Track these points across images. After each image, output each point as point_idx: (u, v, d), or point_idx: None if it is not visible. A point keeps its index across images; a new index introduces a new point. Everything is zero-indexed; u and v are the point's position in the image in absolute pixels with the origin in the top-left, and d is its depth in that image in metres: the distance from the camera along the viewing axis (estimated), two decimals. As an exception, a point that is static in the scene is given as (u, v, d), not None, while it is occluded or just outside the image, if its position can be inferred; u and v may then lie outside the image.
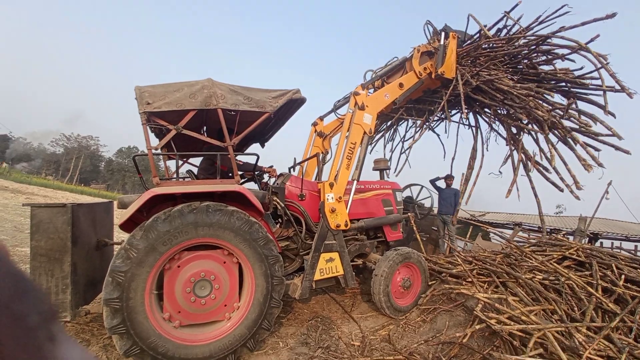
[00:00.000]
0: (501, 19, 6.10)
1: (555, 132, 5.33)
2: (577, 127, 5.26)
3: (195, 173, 4.36)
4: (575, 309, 3.51)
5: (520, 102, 5.15)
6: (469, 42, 6.26)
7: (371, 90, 5.07)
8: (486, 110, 6.16)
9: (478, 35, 6.25)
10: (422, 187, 6.78)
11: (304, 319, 4.32)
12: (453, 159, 7.21)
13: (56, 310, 2.51)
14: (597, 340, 2.75)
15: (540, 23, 5.67)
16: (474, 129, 6.63)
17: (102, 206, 3.92)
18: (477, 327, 3.41)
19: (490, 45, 6.00)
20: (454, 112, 6.85)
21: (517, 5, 5.88)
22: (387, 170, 5.41)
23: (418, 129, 7.11)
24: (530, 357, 2.87)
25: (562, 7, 5.44)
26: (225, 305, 3.16)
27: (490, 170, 6.07)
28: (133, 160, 3.29)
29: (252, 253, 3.10)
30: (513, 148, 5.88)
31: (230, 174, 3.48)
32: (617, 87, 4.87)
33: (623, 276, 3.72)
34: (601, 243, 6.84)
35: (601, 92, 5.11)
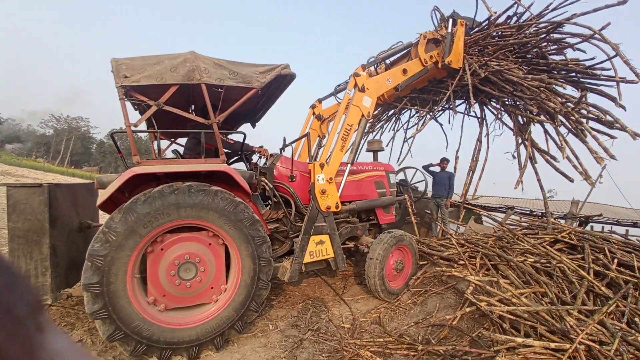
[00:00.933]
0: (511, 6, 5.81)
1: (566, 123, 5.12)
2: (589, 118, 5.06)
3: (182, 152, 4.20)
4: (567, 292, 3.50)
5: (531, 94, 4.91)
6: (477, 29, 5.98)
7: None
8: (493, 101, 5.92)
9: (487, 22, 5.95)
10: (417, 170, 6.69)
11: (294, 301, 4.30)
12: (457, 151, 7.06)
13: (43, 299, 2.45)
14: (591, 325, 2.73)
15: (552, 10, 5.39)
16: (479, 119, 6.41)
17: (84, 187, 3.77)
18: (467, 309, 3.39)
19: (499, 33, 5.71)
20: (459, 102, 6.60)
21: None
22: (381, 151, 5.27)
23: (421, 118, 6.91)
24: (520, 338, 2.86)
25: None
26: (212, 288, 3.08)
27: (494, 162, 5.96)
28: (111, 137, 3.12)
29: (238, 234, 3.00)
30: (520, 140, 5.67)
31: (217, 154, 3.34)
32: (629, 77, 4.65)
33: (616, 260, 3.70)
34: (592, 227, 6.84)
35: (613, 83, 4.89)
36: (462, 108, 6.80)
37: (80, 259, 3.38)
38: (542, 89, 4.91)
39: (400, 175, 6.56)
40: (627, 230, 7.12)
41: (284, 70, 3.48)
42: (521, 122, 5.68)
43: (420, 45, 4.97)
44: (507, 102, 5.68)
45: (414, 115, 7.33)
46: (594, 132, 4.94)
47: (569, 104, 5.05)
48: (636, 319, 3.06)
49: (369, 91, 4.27)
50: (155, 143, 4.63)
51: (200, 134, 3.18)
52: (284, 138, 4.25)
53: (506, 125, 6.09)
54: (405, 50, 5.22)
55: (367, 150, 4.90)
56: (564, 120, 5.07)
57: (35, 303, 0.35)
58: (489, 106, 6.18)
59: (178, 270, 2.88)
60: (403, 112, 7.19)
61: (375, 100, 4.41)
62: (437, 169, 7.35)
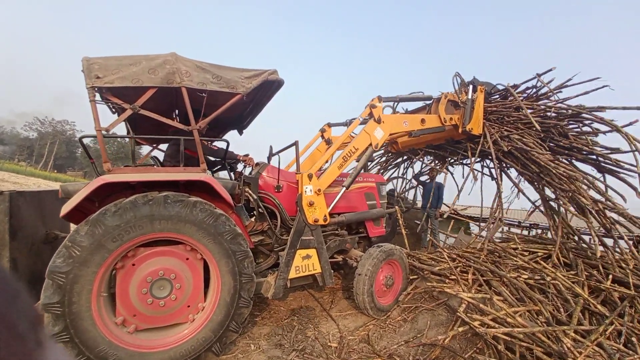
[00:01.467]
0: (531, 79, 5.89)
1: (598, 218, 4.68)
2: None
3: (162, 159, 3.97)
4: (562, 310, 3.38)
5: (560, 184, 4.71)
6: (497, 95, 6.07)
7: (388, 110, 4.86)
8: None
9: (505, 90, 6.01)
10: (405, 179, 6.60)
11: (279, 317, 4.08)
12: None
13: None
14: (589, 347, 2.60)
15: (567, 86, 5.48)
16: (496, 181, 6.07)
17: (53, 194, 3.49)
18: (460, 329, 3.24)
19: (518, 107, 5.67)
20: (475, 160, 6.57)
21: (550, 70, 5.70)
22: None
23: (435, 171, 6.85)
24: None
25: (596, 78, 5.22)
26: (189, 306, 2.84)
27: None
28: (80, 142, 2.88)
29: (218, 248, 2.79)
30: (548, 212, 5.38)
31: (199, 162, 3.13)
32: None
33: (610, 276, 3.61)
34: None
35: (636, 175, 4.64)
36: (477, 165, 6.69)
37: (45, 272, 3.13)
38: (573, 179, 4.66)
39: (390, 185, 6.43)
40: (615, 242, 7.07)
41: (271, 76, 3.32)
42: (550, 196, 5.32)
43: (441, 104, 5.03)
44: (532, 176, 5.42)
45: (425, 166, 7.30)
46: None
47: (600, 201, 4.68)
48: (633, 339, 2.96)
49: (384, 125, 4.24)
50: (135, 149, 4.45)
51: (181, 141, 2.99)
52: (271, 147, 4.07)
53: (526, 197, 5.81)
54: (425, 102, 5.26)
55: (357, 160, 4.76)
56: (595, 215, 4.69)
57: (35, 318, 0.35)
58: (508, 172, 6.02)
59: (151, 288, 2.63)
60: (415, 162, 7.18)
61: (387, 137, 4.37)
62: (425, 177, 7.32)
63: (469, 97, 5.27)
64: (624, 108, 4.85)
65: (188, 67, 2.96)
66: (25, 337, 0.32)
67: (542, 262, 3.94)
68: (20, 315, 0.33)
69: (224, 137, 4.97)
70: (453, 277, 4.22)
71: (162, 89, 2.88)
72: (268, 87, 3.63)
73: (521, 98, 5.73)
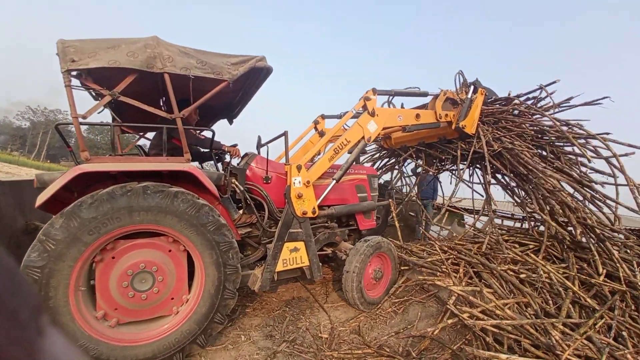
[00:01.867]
0: (533, 91, 5.83)
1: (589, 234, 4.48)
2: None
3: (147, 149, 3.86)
4: (551, 302, 3.37)
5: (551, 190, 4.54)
6: (496, 103, 6.00)
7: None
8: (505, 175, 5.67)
9: (506, 98, 5.96)
10: (400, 171, 6.53)
11: (271, 308, 4.05)
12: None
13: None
14: (579, 341, 2.58)
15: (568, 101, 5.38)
16: (484, 185, 6.02)
17: (33, 184, 3.38)
18: (450, 321, 3.22)
19: (517, 112, 5.64)
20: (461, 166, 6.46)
21: (554, 82, 5.66)
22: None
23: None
24: (504, 354, 2.70)
25: (604, 98, 5.10)
26: (172, 299, 2.78)
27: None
28: (56, 129, 2.76)
29: (201, 240, 2.71)
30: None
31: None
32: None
33: (604, 271, 3.58)
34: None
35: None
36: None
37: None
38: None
39: (386, 176, 6.36)
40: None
41: (259, 63, 3.19)
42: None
43: (439, 100, 4.99)
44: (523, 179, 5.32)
45: (415, 167, 7.28)
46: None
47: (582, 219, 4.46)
48: (623, 333, 2.94)
49: (377, 118, 4.16)
50: (117, 138, 4.31)
51: (164, 130, 2.87)
52: (259, 137, 3.96)
53: (514, 199, 5.78)
54: (420, 97, 5.14)
55: (349, 152, 4.67)
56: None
57: (36, 307, 0.35)
58: (498, 176, 5.96)
59: (132, 281, 2.56)
60: (406, 164, 7.14)
61: (380, 130, 4.29)
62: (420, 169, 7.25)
63: (469, 96, 5.24)
64: (630, 146, 4.70)
65: (171, 52, 2.83)
66: (26, 325, 0.33)
67: (532, 255, 3.92)
68: (21, 304, 0.33)
69: (212, 127, 4.85)
70: (444, 269, 4.20)
71: (145, 74, 2.75)
72: (256, 75, 3.51)
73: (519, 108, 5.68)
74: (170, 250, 2.74)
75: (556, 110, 5.48)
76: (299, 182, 3.51)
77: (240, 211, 3.69)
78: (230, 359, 3.01)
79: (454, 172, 6.40)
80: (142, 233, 2.66)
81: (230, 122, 4.81)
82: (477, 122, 5.34)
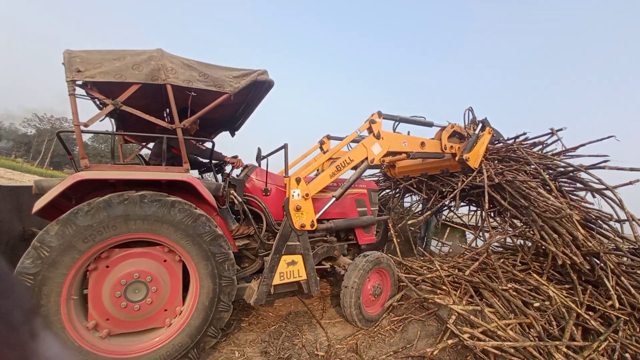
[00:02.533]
0: (543, 135, 5.99)
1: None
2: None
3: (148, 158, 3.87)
4: (554, 323, 3.28)
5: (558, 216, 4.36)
6: (502, 145, 6.10)
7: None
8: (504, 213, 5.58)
9: (513, 140, 6.09)
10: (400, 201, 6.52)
11: (267, 323, 3.96)
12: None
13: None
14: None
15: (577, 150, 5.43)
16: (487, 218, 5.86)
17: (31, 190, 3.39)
18: (450, 341, 3.13)
19: (523, 154, 5.66)
20: (462, 204, 6.58)
21: (562, 129, 5.81)
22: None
23: (424, 208, 6.71)
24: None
25: (609, 136, 5.12)
26: (166, 310, 2.73)
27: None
28: (58, 136, 2.79)
29: (197, 250, 2.68)
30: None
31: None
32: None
33: (615, 295, 3.46)
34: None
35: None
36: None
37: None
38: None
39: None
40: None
41: (260, 77, 3.24)
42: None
43: (446, 132, 5.03)
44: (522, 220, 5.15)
45: (415, 202, 7.40)
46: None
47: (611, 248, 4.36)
48: (627, 355, 2.85)
49: (382, 141, 4.18)
50: (119, 147, 4.35)
51: (164, 139, 2.89)
52: (259, 149, 3.97)
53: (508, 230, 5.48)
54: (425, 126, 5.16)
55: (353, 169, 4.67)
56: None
57: (30, 310, 0.35)
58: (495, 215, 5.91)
59: (125, 291, 2.52)
60: (406, 196, 7.18)
61: (384, 154, 4.31)
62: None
63: (476, 132, 5.30)
64: (631, 169, 4.63)
65: (174, 64, 2.87)
66: (19, 328, 0.33)
67: (535, 276, 3.84)
68: (14, 307, 0.33)
69: (215, 139, 4.89)
70: (444, 287, 4.12)
71: (150, 86, 2.79)
72: (258, 88, 3.55)
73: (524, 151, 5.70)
74: (165, 260, 2.71)
75: (563, 157, 5.49)
76: (298, 194, 3.50)
77: (238, 223, 3.67)
78: (222, 376, 2.93)
79: (452, 207, 6.47)
80: (138, 242, 2.63)
81: (232, 134, 4.85)
82: (482, 159, 5.35)
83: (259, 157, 3.93)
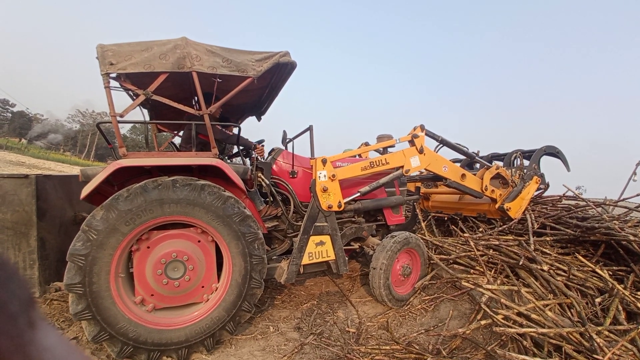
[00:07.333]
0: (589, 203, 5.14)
1: None
2: None
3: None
4: (597, 304, 3.09)
5: None
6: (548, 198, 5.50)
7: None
8: None
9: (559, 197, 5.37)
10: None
11: (299, 301, 4.11)
12: None
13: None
14: (620, 343, 2.36)
15: None
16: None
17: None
18: (483, 322, 3.07)
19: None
20: None
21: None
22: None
23: None
24: (541, 359, 2.53)
25: None
26: (203, 287, 2.92)
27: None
28: (97, 127, 2.98)
29: (227, 231, 2.80)
30: None
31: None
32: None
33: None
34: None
35: None
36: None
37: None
38: None
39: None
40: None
41: (282, 58, 3.22)
42: None
43: (489, 172, 4.66)
44: None
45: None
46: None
47: None
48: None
49: (423, 157, 4.05)
50: (153, 135, 4.56)
51: (192, 126, 3.00)
52: (284, 132, 4.00)
53: None
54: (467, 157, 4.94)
55: (376, 149, 4.56)
56: None
57: (27, 299, 0.35)
58: None
59: (165, 269, 2.71)
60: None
61: (420, 169, 4.16)
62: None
63: (523, 183, 4.83)
64: None
65: (198, 51, 2.93)
66: (17, 317, 0.32)
67: (579, 257, 3.61)
68: (12, 296, 0.33)
69: (242, 123, 4.98)
70: (478, 268, 4.01)
71: (177, 74, 2.88)
72: (282, 71, 3.55)
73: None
74: (199, 241, 2.87)
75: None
76: (324, 175, 3.51)
77: (267, 205, 3.76)
78: (258, 349, 3.08)
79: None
80: (174, 224, 2.80)
81: (259, 118, 4.91)
82: (526, 208, 4.84)
83: (285, 140, 3.96)
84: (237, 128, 3.48)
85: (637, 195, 4.49)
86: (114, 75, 2.82)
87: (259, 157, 3.86)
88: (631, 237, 3.53)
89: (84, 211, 3.63)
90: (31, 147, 40.78)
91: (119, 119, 2.72)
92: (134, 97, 3.61)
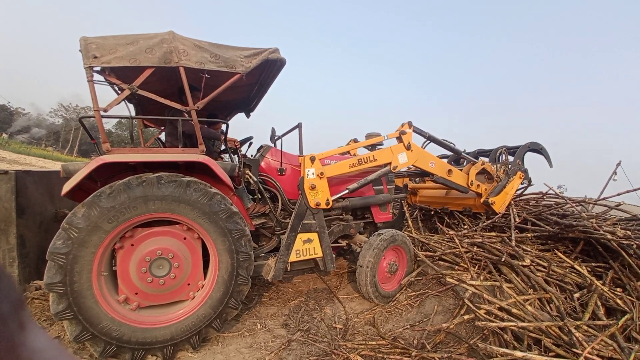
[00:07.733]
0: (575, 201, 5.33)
1: None
2: None
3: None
4: (576, 300, 3.21)
5: None
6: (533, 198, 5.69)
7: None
8: None
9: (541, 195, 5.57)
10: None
11: (287, 298, 4.12)
12: None
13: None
14: (600, 338, 2.45)
15: None
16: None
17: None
18: (466, 317, 3.14)
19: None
20: None
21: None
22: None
23: None
24: (521, 352, 2.61)
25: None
26: (189, 284, 2.89)
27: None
28: (80, 122, 2.90)
29: (213, 227, 2.77)
30: None
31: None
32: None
33: None
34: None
35: None
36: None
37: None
38: None
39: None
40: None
41: (271, 55, 3.20)
42: None
43: (475, 167, 4.74)
44: None
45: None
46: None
47: None
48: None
49: (411, 153, 4.06)
50: (139, 131, 4.47)
51: (179, 122, 2.95)
52: (273, 129, 3.98)
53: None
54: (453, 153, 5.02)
55: (365, 146, 4.59)
56: None
57: (17, 301, 0.34)
58: None
59: (150, 267, 2.67)
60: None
61: (407, 165, 4.18)
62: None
63: (507, 178, 4.94)
64: None
65: (186, 46, 2.88)
66: (7, 319, 0.32)
67: (559, 253, 3.74)
68: (1, 298, 0.32)
69: (230, 120, 4.93)
70: (463, 264, 4.10)
71: (163, 69, 2.83)
72: (271, 67, 3.52)
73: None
74: (185, 238, 2.84)
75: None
76: (313, 173, 3.51)
77: (254, 202, 3.75)
78: (245, 346, 3.08)
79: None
80: (159, 221, 2.76)
81: (248, 115, 4.87)
82: (509, 203, 4.98)
83: (273, 137, 3.94)
84: (225, 125, 3.44)
85: (618, 194, 4.67)
86: (97, 68, 2.75)
87: (237, 149, 3.81)
88: (608, 236, 3.67)
89: (65, 208, 3.54)
90: (12, 142, 39.31)
91: (102, 113, 2.65)
92: (119, 92, 3.53)
